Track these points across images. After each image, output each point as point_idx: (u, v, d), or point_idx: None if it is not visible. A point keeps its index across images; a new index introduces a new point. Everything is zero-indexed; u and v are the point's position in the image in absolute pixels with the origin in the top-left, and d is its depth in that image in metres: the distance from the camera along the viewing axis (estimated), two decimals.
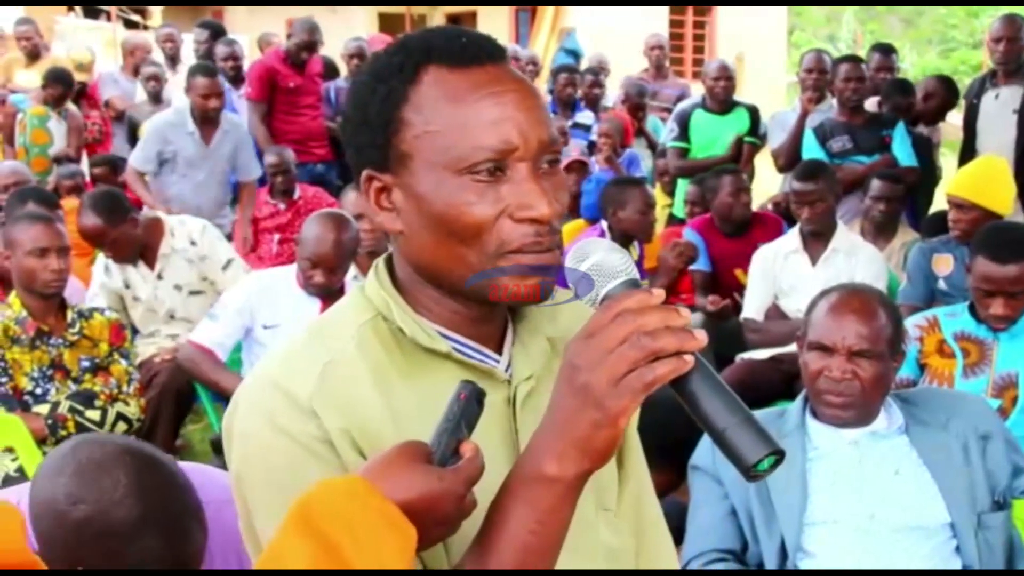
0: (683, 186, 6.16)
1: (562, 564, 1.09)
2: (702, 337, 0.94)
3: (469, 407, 1.00)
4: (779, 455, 0.94)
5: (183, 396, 4.05)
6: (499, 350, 1.15)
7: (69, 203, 5.34)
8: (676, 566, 1.32)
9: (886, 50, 6.87)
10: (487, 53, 1.08)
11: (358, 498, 0.92)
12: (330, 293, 3.60)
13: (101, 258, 4.43)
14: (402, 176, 1.07)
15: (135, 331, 4.37)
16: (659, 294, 0.96)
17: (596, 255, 1.02)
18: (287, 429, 1.05)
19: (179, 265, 4.38)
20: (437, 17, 17.71)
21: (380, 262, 1.17)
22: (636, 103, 7.40)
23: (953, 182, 4.23)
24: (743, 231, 4.97)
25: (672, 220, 6.28)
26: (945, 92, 6.24)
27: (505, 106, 1.05)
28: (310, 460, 1.04)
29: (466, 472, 0.97)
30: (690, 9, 16.56)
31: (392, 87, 1.07)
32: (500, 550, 1.00)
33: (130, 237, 4.21)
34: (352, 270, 3.83)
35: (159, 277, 4.36)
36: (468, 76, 1.06)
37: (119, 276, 4.36)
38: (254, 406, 1.09)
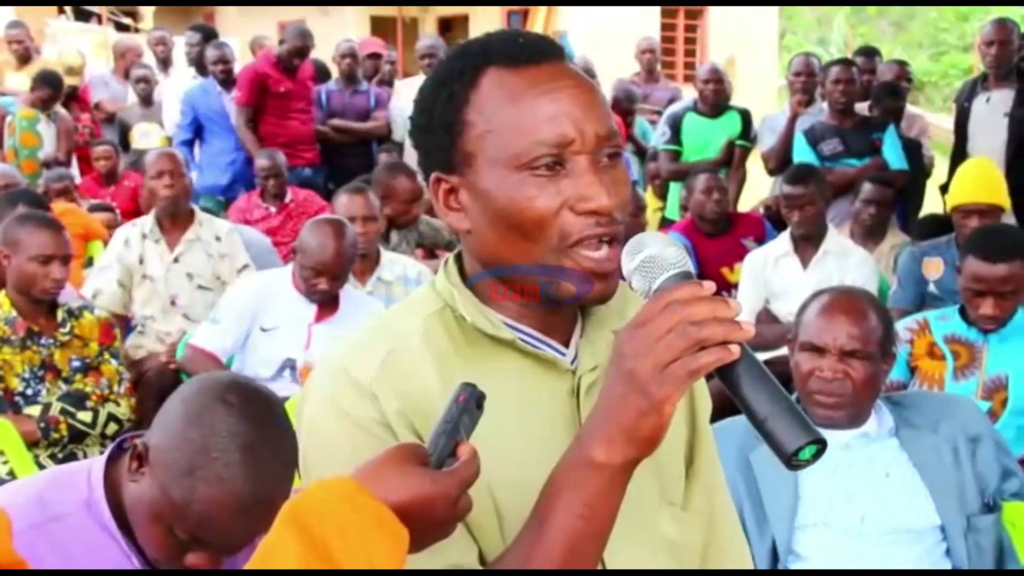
0: (676, 189, 6.17)
1: (621, 554, 1.12)
2: (749, 328, 0.96)
3: (468, 409, 1.00)
4: (821, 444, 0.94)
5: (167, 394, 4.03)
6: (567, 344, 1.18)
7: (58, 206, 5.29)
8: (747, 565, 1.33)
9: (869, 53, 6.92)
10: (543, 52, 1.10)
11: (349, 499, 0.91)
12: (326, 298, 3.60)
13: (122, 230, 4.51)
14: (467, 176, 1.10)
15: (128, 323, 4.40)
16: (710, 286, 0.98)
17: (651, 248, 1.04)
18: (349, 412, 1.09)
19: (198, 255, 4.44)
20: (429, 19, 17.70)
21: (450, 258, 1.20)
22: (626, 109, 7.37)
23: (965, 191, 4.13)
24: (725, 230, 4.99)
25: (665, 223, 6.29)
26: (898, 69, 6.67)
27: (562, 102, 1.07)
28: (369, 443, 1.06)
29: (461, 474, 0.97)
30: (681, 11, 16.58)
31: (453, 90, 1.10)
32: (550, 534, 1.02)
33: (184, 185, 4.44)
34: None
35: (175, 260, 4.42)
36: (526, 75, 1.09)
37: (137, 249, 4.41)
38: (321, 392, 1.13)
